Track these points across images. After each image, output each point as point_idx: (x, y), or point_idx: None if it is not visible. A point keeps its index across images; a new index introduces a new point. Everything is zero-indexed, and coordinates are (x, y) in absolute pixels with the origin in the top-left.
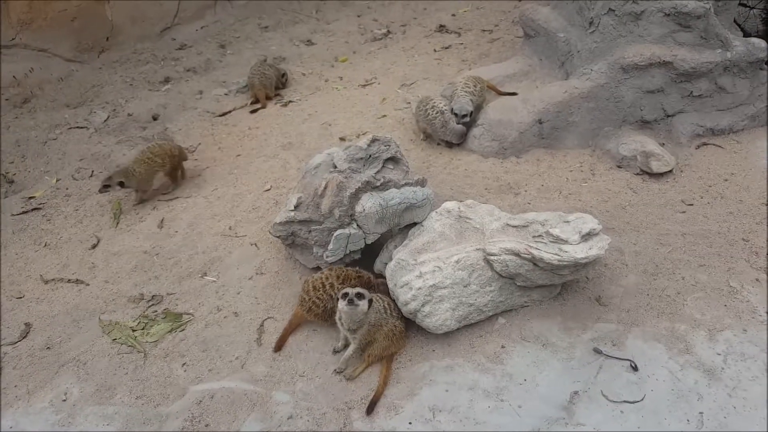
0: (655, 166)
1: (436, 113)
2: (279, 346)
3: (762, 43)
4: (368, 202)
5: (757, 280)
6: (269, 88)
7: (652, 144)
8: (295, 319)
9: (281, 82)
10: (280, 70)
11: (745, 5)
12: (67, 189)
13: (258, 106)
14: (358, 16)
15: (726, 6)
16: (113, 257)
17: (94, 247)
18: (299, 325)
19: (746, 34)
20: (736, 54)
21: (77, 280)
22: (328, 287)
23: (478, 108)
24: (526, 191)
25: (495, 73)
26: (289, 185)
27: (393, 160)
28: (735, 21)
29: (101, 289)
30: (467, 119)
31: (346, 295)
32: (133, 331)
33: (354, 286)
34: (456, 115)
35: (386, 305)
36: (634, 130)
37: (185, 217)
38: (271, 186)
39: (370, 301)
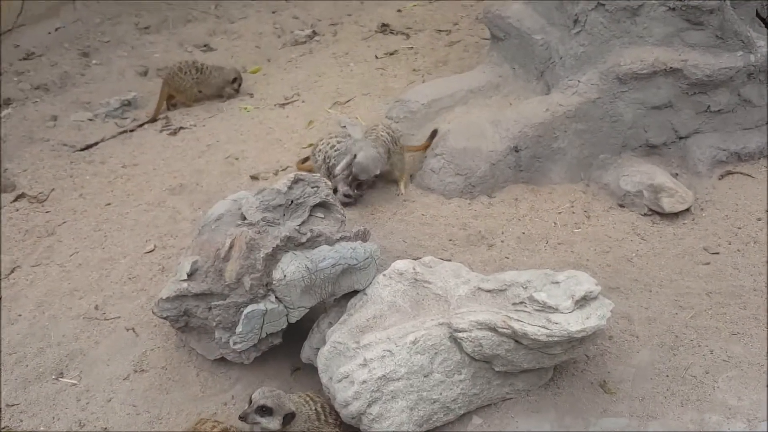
0: (668, 204)
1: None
2: None
3: None
4: (290, 266)
5: None
6: (175, 90)
7: (663, 175)
8: None
9: (222, 90)
10: (225, 71)
11: None
12: None
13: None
14: (273, 13)
15: None
16: None
17: None
18: None
19: None
20: (761, 57)
21: None
22: None
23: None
24: (502, 242)
25: (456, 86)
26: (180, 244)
27: (323, 206)
28: (758, 14)
29: None
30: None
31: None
32: None
33: None
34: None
35: (319, 409)
36: (639, 158)
37: (32, 295)
38: (154, 246)
39: (291, 416)
